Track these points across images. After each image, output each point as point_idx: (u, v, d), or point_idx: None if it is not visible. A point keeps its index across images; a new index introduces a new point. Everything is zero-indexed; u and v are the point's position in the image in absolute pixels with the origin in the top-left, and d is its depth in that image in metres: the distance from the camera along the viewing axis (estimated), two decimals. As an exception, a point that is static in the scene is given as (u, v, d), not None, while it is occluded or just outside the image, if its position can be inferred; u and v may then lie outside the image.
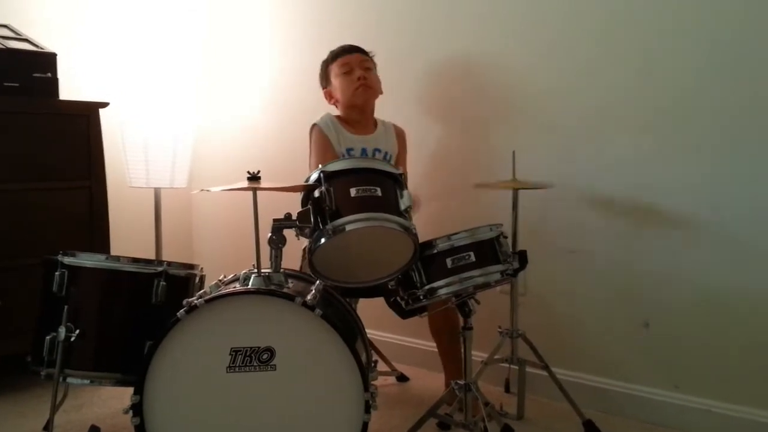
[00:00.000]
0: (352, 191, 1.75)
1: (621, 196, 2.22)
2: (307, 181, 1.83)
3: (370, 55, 2.49)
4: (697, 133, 2.07)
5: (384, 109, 2.53)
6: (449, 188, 2.61)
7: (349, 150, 2.38)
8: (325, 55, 2.51)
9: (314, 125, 2.42)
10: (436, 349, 2.38)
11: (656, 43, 2.13)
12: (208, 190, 1.77)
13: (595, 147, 2.27)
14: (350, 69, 2.41)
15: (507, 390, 2.45)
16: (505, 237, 1.90)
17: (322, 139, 2.38)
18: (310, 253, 1.75)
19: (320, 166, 1.80)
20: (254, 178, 1.69)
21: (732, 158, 2.01)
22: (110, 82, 3.13)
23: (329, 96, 2.50)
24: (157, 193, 3.11)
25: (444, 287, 1.79)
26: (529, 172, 2.20)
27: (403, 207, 1.78)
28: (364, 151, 2.39)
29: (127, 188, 3.03)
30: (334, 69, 2.45)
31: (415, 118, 2.68)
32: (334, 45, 2.51)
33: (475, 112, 2.56)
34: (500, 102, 2.48)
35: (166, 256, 3.09)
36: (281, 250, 1.76)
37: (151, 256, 3.09)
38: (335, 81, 2.44)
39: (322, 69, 2.52)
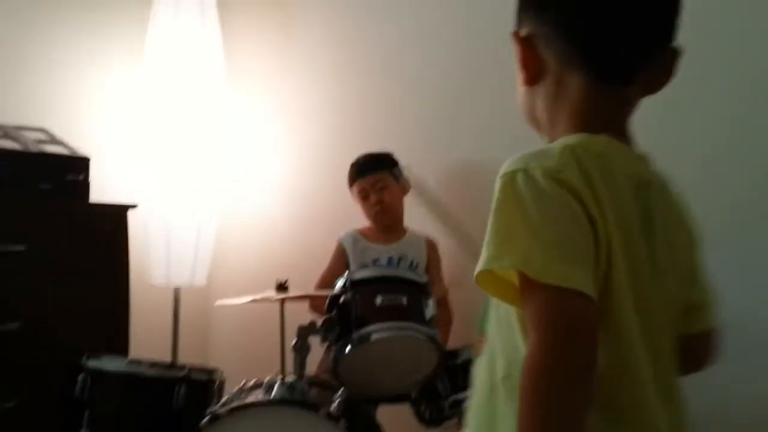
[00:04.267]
0: (378, 299, 1.77)
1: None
2: (333, 287, 1.85)
3: (389, 161, 2.46)
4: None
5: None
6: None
7: (375, 260, 2.39)
8: (345, 161, 2.56)
9: (337, 241, 2.47)
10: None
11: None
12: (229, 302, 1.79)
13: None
14: (366, 194, 2.42)
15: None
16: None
17: (336, 255, 2.44)
18: (334, 362, 1.75)
19: (347, 273, 1.82)
20: (282, 287, 1.71)
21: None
22: (139, 183, 3.21)
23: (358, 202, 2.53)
24: (176, 293, 3.12)
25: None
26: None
27: (428, 316, 1.78)
28: (390, 260, 2.39)
29: (147, 285, 3.05)
30: (353, 192, 2.48)
31: (432, 223, 2.70)
32: (360, 148, 2.54)
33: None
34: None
35: (182, 357, 3.07)
36: (305, 358, 1.76)
37: (167, 355, 3.07)
38: (357, 203, 2.48)
39: (348, 183, 2.53)
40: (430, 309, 1.80)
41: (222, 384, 2.03)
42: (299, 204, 3.27)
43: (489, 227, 0.78)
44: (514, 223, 0.76)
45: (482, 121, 2.65)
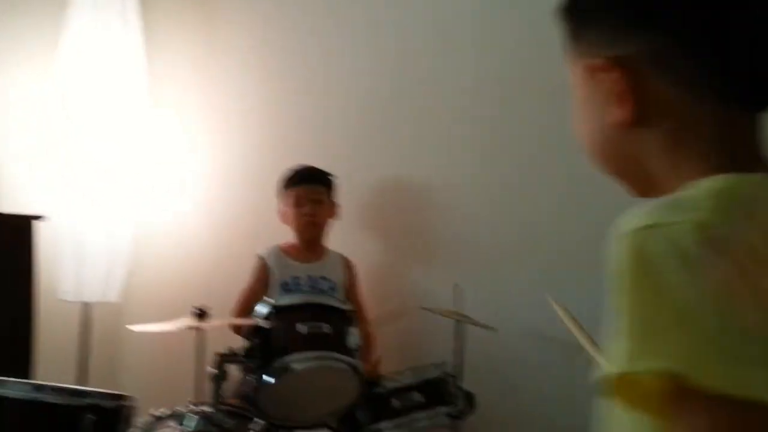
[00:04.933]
0: (301, 327, 1.74)
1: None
2: (252, 313, 1.81)
3: (329, 179, 2.48)
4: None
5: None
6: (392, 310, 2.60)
7: (294, 278, 2.36)
8: (277, 173, 2.52)
9: (258, 256, 2.43)
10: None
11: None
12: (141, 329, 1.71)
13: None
14: (300, 202, 2.41)
15: None
16: (452, 375, 1.90)
17: (258, 271, 2.40)
18: (254, 391, 1.70)
19: (268, 299, 1.79)
20: (201, 315, 1.65)
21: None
22: (46, 191, 3.04)
23: (283, 216, 2.49)
24: (86, 309, 2.97)
25: (391, 429, 1.76)
26: (472, 307, 2.21)
27: (351, 345, 1.77)
28: (310, 278, 2.37)
29: (54, 299, 2.89)
30: (286, 197, 2.46)
31: (359, 237, 2.69)
32: (283, 164, 2.51)
33: (421, 238, 2.61)
34: (445, 231, 2.55)
35: (91, 377, 2.92)
36: (222, 386, 1.71)
37: (74, 374, 2.91)
38: (287, 208, 2.46)
39: (279, 189, 2.52)
40: (354, 337, 1.79)
41: (132, 411, 1.94)
42: (219, 218, 3.18)
43: (617, 310, 0.57)
44: (656, 307, 0.55)
45: (409, 135, 2.67)
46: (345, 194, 2.71)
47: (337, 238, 2.59)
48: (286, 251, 2.44)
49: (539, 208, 2.36)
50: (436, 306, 2.36)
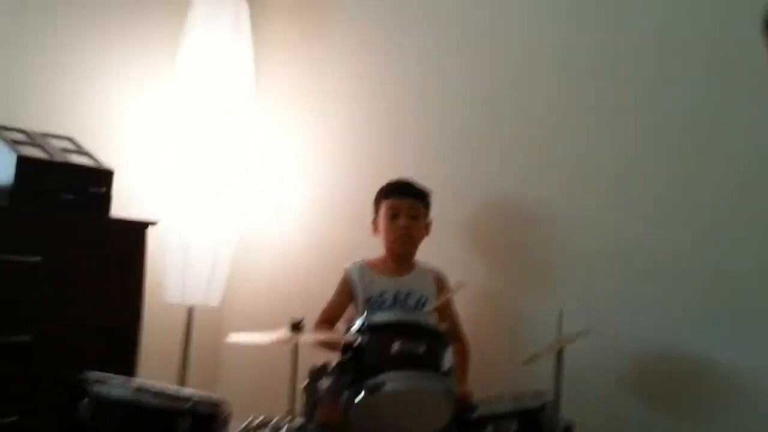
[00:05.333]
0: (395, 346, 1.71)
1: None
2: (344, 325, 1.80)
3: (428, 196, 2.43)
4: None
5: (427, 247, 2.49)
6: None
7: (382, 293, 2.32)
8: (373, 191, 2.52)
9: (345, 270, 2.42)
10: None
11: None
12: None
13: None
14: (396, 214, 2.37)
15: None
16: (551, 404, 1.81)
17: (342, 286, 2.39)
18: (345, 408, 1.68)
19: (365, 315, 1.77)
20: (297, 327, 1.65)
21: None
22: (158, 198, 3.18)
23: (374, 228, 2.46)
24: (189, 311, 3.08)
25: (483, 457, 1.69)
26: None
27: (445, 367, 1.72)
28: (397, 293, 2.33)
29: (159, 303, 3.00)
30: (383, 207, 2.41)
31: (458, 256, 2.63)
32: (385, 177, 2.50)
33: (522, 260, 2.53)
34: (544, 257, 2.45)
35: (191, 378, 3.02)
36: (316, 402, 1.70)
37: (175, 374, 3.02)
38: (381, 219, 2.42)
39: (375, 199, 2.49)
40: (448, 359, 1.74)
41: (228, 418, 1.97)
42: (319, 229, 3.22)
43: None
44: None
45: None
46: (445, 212, 2.66)
47: (435, 257, 2.53)
48: (372, 265, 2.40)
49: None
50: (538, 332, 2.28)
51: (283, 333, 1.66)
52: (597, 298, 2.30)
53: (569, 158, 2.44)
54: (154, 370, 2.60)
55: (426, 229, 2.43)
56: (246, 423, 1.82)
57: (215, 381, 3.36)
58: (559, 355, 2.05)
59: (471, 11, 2.76)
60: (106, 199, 2.52)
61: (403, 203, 2.38)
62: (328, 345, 2.01)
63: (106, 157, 2.66)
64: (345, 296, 2.34)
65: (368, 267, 2.41)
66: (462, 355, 2.31)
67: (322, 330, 2.24)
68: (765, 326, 1.96)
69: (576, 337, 2.03)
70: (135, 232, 2.57)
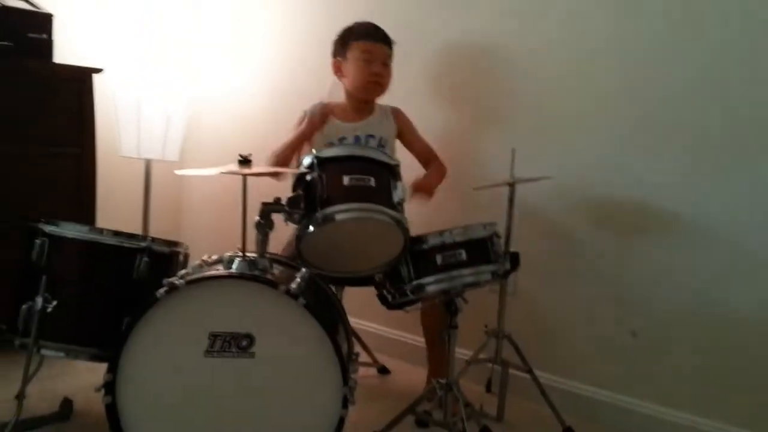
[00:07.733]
0: (345, 179, 1.71)
1: (616, 196, 2.18)
2: (299, 165, 1.79)
3: (393, 46, 2.34)
4: (693, 132, 2.01)
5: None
6: (445, 183, 2.55)
7: (341, 139, 2.30)
8: (329, 34, 2.39)
9: (304, 112, 2.35)
10: (419, 343, 2.34)
11: (657, 42, 2.08)
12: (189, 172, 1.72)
13: (591, 143, 2.22)
14: (371, 59, 2.27)
15: (488, 390, 2.42)
16: (499, 237, 1.86)
17: (300, 123, 2.34)
18: (297, 240, 1.71)
19: (314, 151, 1.75)
20: (245, 161, 1.64)
21: (732, 159, 1.95)
22: (105, 47, 3.05)
23: (337, 68, 2.36)
24: (147, 165, 3.05)
25: (433, 284, 1.75)
26: (525, 169, 2.13)
27: (396, 199, 1.74)
28: (357, 138, 2.31)
29: (117, 157, 2.97)
30: (354, 49, 2.29)
31: (420, 100, 2.60)
32: (339, 23, 2.38)
33: (476, 103, 2.51)
34: (500, 94, 2.43)
35: (153, 231, 3.05)
36: (268, 235, 1.72)
37: (138, 229, 3.04)
38: (351, 62, 2.30)
39: (340, 38, 2.35)
40: (399, 192, 1.75)
41: (186, 258, 2.00)
42: (277, 77, 3.15)
43: None
44: None
45: None
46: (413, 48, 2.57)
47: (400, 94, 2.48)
48: (333, 111, 2.36)
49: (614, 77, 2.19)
50: (491, 170, 2.30)
51: (230, 167, 1.64)
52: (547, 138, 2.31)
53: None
54: (116, 223, 2.62)
55: (390, 79, 2.36)
56: (202, 259, 1.84)
57: (179, 234, 3.40)
58: (511, 190, 2.09)
59: None
60: (46, 45, 2.41)
61: (378, 48, 2.28)
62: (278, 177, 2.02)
63: (45, 2, 2.52)
64: (301, 137, 2.30)
65: (328, 111, 2.35)
66: (438, 167, 2.38)
67: (278, 164, 2.22)
68: (692, 154, 1.99)
69: (528, 180, 2.07)
70: (80, 78, 2.47)
